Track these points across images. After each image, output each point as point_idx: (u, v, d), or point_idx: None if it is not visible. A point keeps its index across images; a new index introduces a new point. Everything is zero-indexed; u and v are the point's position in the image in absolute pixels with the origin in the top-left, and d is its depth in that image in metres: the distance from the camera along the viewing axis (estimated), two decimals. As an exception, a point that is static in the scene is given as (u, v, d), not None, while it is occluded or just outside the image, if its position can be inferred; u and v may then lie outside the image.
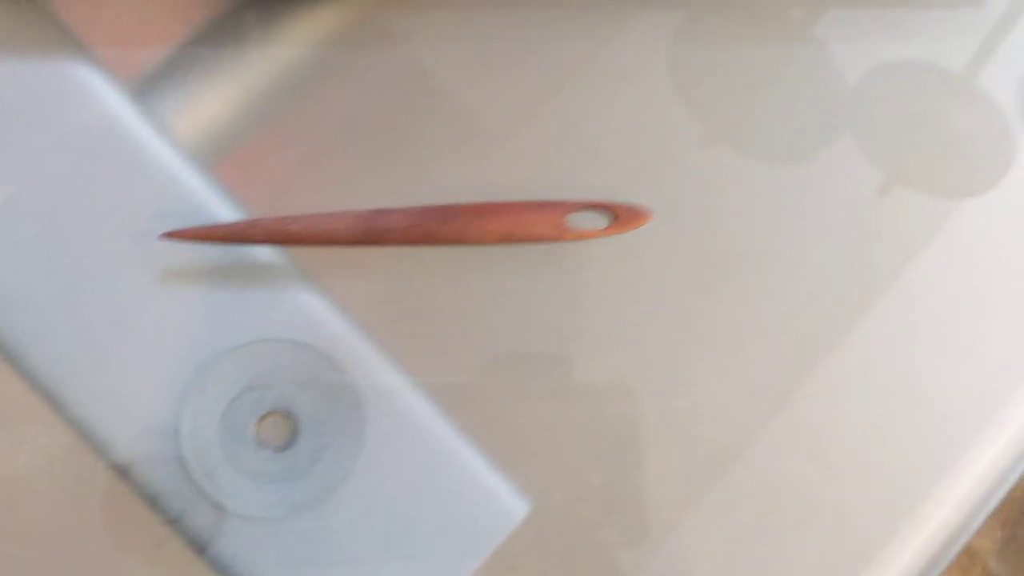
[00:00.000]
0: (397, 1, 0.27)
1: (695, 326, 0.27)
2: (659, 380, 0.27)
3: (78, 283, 0.25)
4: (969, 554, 0.82)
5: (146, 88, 0.27)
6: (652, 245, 0.27)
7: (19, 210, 0.25)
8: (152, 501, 0.24)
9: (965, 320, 0.28)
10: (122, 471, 0.24)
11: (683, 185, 0.28)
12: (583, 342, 0.27)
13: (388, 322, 0.26)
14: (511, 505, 0.26)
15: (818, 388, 0.27)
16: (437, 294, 0.27)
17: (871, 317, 0.28)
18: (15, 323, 0.24)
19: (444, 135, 0.27)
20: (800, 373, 0.27)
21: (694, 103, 0.28)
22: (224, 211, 0.26)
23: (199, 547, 0.24)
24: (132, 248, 0.25)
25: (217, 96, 0.27)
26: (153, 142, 0.26)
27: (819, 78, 0.29)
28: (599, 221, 0.26)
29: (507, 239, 0.26)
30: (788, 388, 0.27)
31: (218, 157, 0.27)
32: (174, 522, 0.24)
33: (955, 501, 0.27)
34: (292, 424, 0.25)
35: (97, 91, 0.26)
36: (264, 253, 0.26)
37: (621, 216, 0.26)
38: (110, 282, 0.25)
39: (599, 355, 0.27)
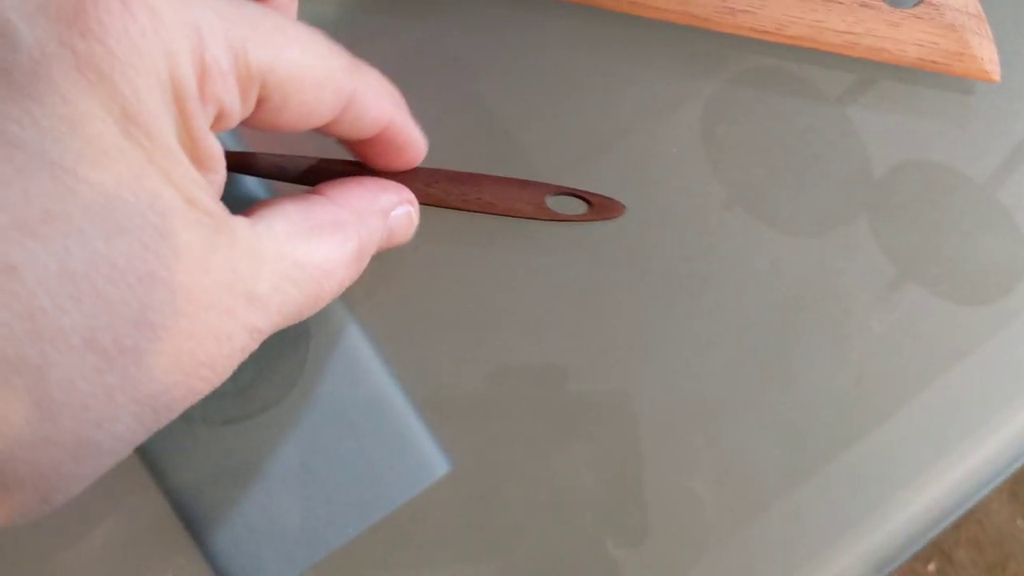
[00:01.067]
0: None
1: (657, 334, 0.28)
2: (603, 370, 0.28)
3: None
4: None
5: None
6: (641, 270, 0.29)
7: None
8: (98, 383, 0.26)
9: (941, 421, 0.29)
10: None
11: (689, 229, 0.29)
12: (539, 320, 0.28)
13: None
14: (433, 461, 0.27)
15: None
16: (406, 253, 0.28)
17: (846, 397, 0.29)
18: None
19: (451, 106, 0.29)
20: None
21: (718, 151, 0.30)
22: (229, 142, 0.28)
23: (132, 436, 0.26)
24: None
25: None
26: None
27: (846, 161, 0.30)
28: (578, 209, 0.28)
29: (487, 209, 0.27)
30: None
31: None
32: (114, 407, 0.26)
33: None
34: (243, 341, 0.26)
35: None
36: (256, 187, 0.28)
37: (596, 205, 0.28)
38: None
39: (553, 336, 0.28)
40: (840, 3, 0.29)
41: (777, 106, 0.30)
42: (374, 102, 0.23)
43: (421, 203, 0.27)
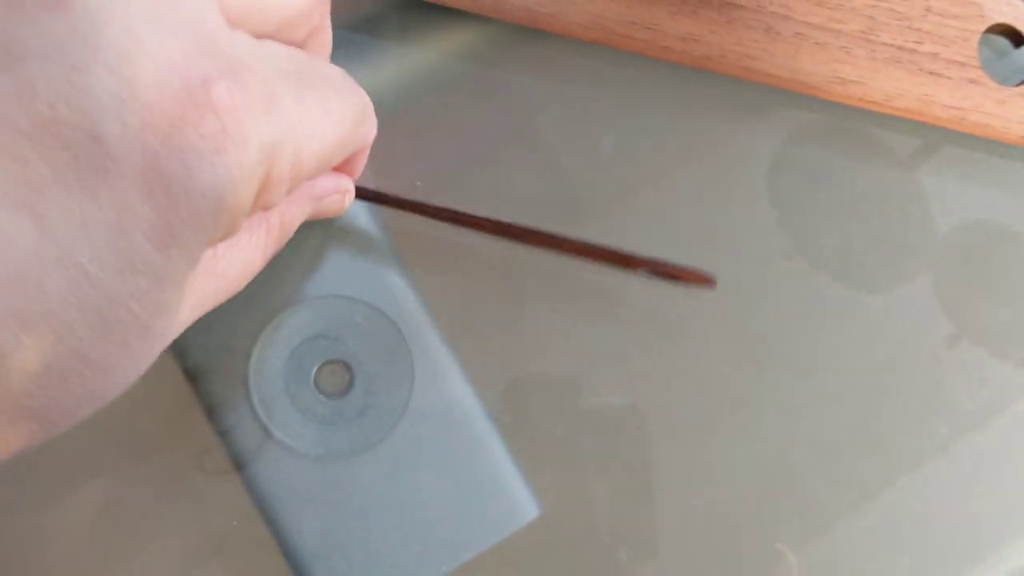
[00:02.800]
0: (538, 32, 0.30)
1: (727, 402, 0.29)
2: (687, 425, 0.28)
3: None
4: None
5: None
6: (708, 321, 0.29)
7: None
8: (209, 410, 0.26)
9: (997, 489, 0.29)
10: (191, 376, 0.27)
11: (753, 281, 0.30)
12: (631, 376, 0.28)
13: (458, 315, 0.28)
14: (524, 506, 0.27)
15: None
16: (510, 303, 0.29)
17: (898, 459, 0.29)
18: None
19: (545, 166, 0.30)
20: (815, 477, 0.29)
21: (785, 207, 0.30)
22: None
23: (238, 463, 0.26)
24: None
25: (355, 79, 0.30)
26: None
27: (910, 219, 0.31)
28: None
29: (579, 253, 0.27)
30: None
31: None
32: (223, 434, 0.26)
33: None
34: (349, 377, 0.27)
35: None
36: (369, 224, 0.28)
37: (684, 279, 0.28)
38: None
39: (643, 392, 0.28)
40: (949, 78, 0.29)
41: (844, 164, 0.31)
42: (364, 151, 0.23)
43: (515, 240, 0.27)
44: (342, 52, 0.30)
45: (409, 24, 0.30)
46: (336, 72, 0.21)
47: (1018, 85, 0.30)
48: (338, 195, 0.25)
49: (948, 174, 0.31)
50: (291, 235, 0.23)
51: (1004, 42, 0.31)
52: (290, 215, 0.23)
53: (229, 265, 0.21)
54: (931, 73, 0.29)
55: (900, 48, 0.29)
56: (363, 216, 0.28)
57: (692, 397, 0.29)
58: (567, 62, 0.30)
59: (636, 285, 0.29)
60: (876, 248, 0.30)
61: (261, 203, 0.18)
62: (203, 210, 0.16)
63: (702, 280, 0.27)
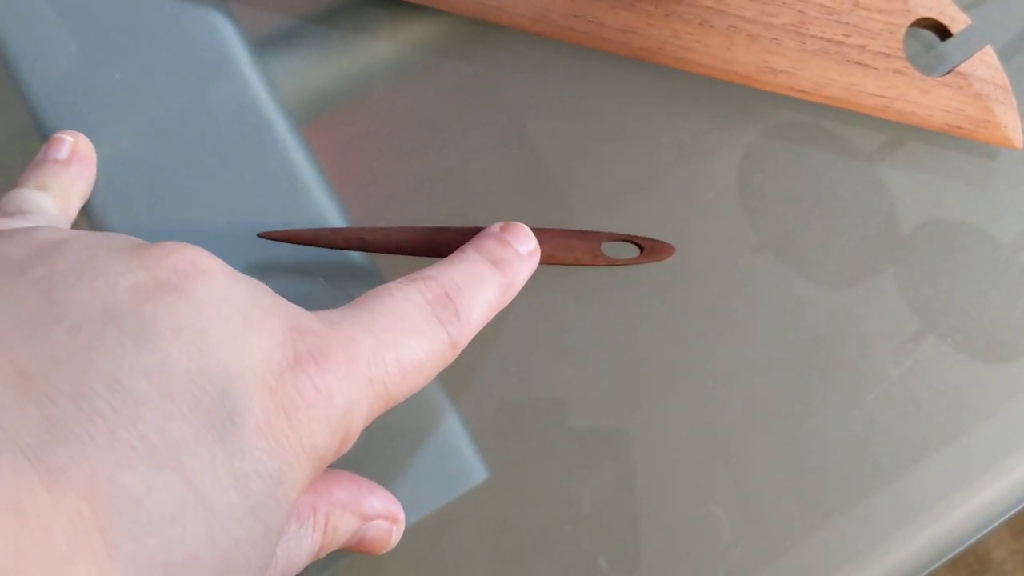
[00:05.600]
0: (510, 28, 0.31)
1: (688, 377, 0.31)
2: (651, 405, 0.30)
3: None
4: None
5: (265, 44, 0.32)
6: (672, 307, 0.31)
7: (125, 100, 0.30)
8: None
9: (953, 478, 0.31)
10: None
11: (720, 278, 0.31)
12: (574, 349, 0.30)
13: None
14: (472, 469, 0.29)
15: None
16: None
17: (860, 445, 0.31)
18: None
19: (497, 144, 0.32)
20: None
21: (752, 198, 0.32)
22: (306, 168, 0.30)
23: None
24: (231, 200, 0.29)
25: (322, 69, 0.32)
26: (258, 87, 0.31)
27: (873, 215, 0.32)
28: (629, 253, 0.30)
29: (548, 261, 0.29)
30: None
31: (309, 118, 0.31)
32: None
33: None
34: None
35: (224, 35, 0.31)
36: (330, 205, 0.30)
37: (647, 249, 0.30)
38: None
39: (588, 365, 0.30)
40: (875, 69, 0.31)
41: (810, 159, 0.32)
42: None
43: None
44: (303, 44, 0.32)
45: (368, 16, 0.32)
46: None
47: (944, 75, 0.32)
48: (385, 525, 0.25)
49: (909, 169, 0.33)
50: (334, 545, 0.24)
51: (932, 35, 0.33)
52: (332, 527, 0.23)
53: (280, 549, 0.22)
54: (858, 64, 0.31)
55: (829, 40, 0.31)
56: (323, 194, 0.30)
57: (647, 377, 0.30)
58: (528, 54, 0.32)
59: (605, 279, 0.31)
60: (841, 241, 0.32)
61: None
62: (302, 458, 0.19)
63: (663, 250, 0.29)
